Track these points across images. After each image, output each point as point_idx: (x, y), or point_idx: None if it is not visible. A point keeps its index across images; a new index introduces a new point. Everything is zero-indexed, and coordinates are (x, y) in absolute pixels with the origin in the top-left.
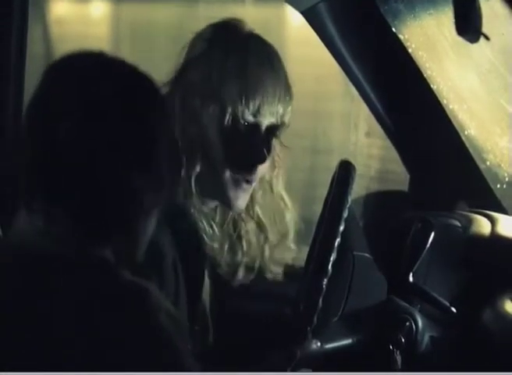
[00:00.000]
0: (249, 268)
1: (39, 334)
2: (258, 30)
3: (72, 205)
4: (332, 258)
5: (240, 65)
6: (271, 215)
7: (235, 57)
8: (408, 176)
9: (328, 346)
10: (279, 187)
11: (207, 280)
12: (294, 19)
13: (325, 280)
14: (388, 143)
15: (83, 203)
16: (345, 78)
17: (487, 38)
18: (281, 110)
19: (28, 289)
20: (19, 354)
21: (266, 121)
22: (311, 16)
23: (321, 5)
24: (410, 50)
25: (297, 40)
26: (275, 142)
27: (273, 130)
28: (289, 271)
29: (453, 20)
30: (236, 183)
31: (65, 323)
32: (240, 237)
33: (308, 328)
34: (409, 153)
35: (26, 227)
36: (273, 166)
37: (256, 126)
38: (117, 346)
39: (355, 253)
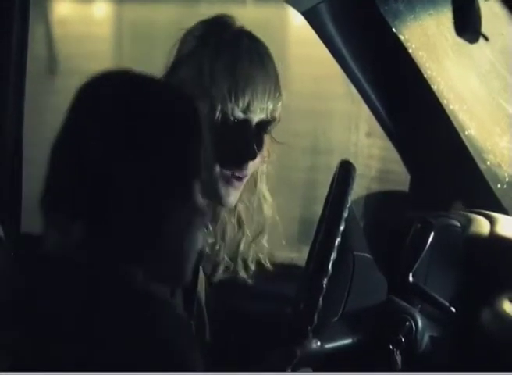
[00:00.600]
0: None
1: (58, 340)
2: (259, 30)
3: (102, 216)
4: (332, 258)
5: (230, 62)
6: (250, 211)
7: (224, 54)
8: (409, 176)
9: (329, 346)
10: (263, 183)
11: (202, 276)
12: (295, 20)
13: (326, 279)
14: (388, 143)
15: (113, 214)
16: (345, 78)
17: (486, 39)
18: (271, 106)
19: (48, 296)
20: (35, 357)
21: (256, 117)
22: (311, 16)
23: (321, 6)
24: (410, 50)
25: (298, 40)
26: (266, 138)
27: (264, 126)
28: (290, 271)
29: (452, 21)
30: (227, 180)
31: (82, 332)
32: (222, 233)
33: (308, 327)
34: (409, 153)
35: (54, 238)
36: (262, 162)
37: (246, 122)
38: (129, 359)
39: (355, 253)
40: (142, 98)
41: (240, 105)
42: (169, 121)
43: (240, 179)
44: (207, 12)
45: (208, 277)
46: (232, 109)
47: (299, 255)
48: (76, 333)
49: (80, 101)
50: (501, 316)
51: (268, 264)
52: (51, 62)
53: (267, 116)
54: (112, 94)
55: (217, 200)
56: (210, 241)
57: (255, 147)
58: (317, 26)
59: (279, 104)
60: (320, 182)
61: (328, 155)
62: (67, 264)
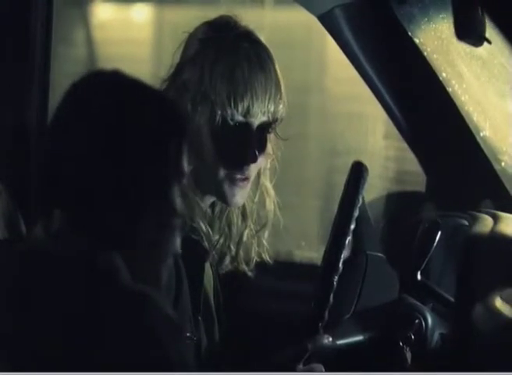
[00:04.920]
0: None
1: (39, 332)
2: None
3: (83, 211)
4: (342, 256)
5: (228, 68)
6: (253, 204)
7: (223, 60)
8: (425, 177)
9: (340, 342)
10: (266, 178)
11: (209, 273)
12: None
13: (336, 277)
14: (405, 145)
15: (93, 208)
16: (362, 81)
17: (489, 42)
18: (272, 108)
19: (32, 288)
20: (20, 351)
21: (257, 121)
22: (326, 20)
23: (336, 10)
24: (425, 53)
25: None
26: (269, 138)
27: (266, 127)
28: (309, 270)
29: (453, 25)
30: (232, 181)
31: (64, 322)
32: (228, 225)
33: (319, 324)
34: (425, 155)
35: (39, 230)
36: (267, 158)
37: (247, 126)
38: (111, 347)
39: (368, 252)
40: (124, 100)
41: (240, 109)
42: (150, 123)
43: (244, 179)
44: (251, 17)
45: (217, 270)
46: (233, 114)
47: (318, 255)
48: (59, 327)
49: (65, 100)
50: (492, 313)
51: (267, 258)
52: (92, 65)
53: (268, 118)
54: (94, 94)
55: (223, 200)
56: (216, 237)
57: (256, 150)
58: (332, 30)
59: (281, 105)
60: (339, 183)
61: (346, 156)
62: (46, 257)
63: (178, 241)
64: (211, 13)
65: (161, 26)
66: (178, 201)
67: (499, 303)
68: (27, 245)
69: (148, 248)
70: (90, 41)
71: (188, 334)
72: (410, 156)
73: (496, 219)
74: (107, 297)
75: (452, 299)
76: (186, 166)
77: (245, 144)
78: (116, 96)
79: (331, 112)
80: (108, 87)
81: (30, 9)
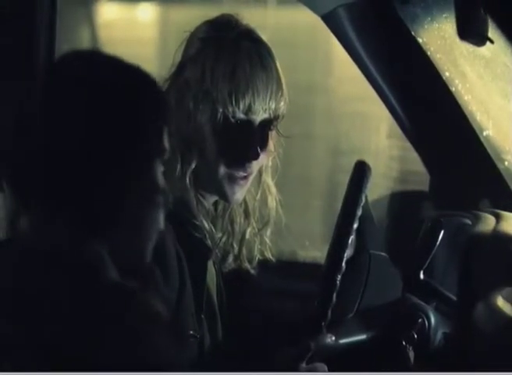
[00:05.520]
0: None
1: (25, 330)
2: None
3: (64, 201)
4: (345, 255)
5: (230, 66)
6: (256, 202)
7: (225, 58)
8: (429, 176)
9: (343, 341)
10: (268, 175)
11: (212, 271)
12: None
13: (339, 276)
14: (408, 144)
15: (76, 198)
16: (366, 81)
17: (492, 42)
18: (273, 105)
19: (19, 283)
20: (16, 350)
21: (259, 118)
22: (330, 20)
23: (339, 10)
24: (428, 53)
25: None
26: (270, 135)
27: (267, 124)
28: (313, 270)
29: (456, 25)
30: (232, 179)
31: (48, 319)
32: (231, 223)
33: (322, 323)
34: (428, 154)
35: (25, 224)
36: (268, 155)
37: (248, 123)
38: (99, 345)
39: (371, 252)
40: (104, 77)
41: (241, 107)
42: (130, 100)
43: (245, 177)
44: (257, 17)
45: (219, 269)
46: (234, 111)
47: (321, 255)
48: (46, 325)
49: (44, 81)
50: (494, 312)
51: (270, 256)
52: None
53: (270, 115)
54: (73, 73)
55: (224, 198)
56: (218, 235)
57: (258, 147)
58: (336, 30)
59: (282, 102)
60: (342, 182)
61: (350, 155)
62: (31, 253)
63: (162, 217)
64: (216, 13)
65: (166, 26)
66: (160, 178)
67: (500, 302)
68: (12, 242)
69: (132, 226)
70: (94, 41)
71: (191, 332)
72: (414, 156)
73: (498, 218)
74: (92, 293)
75: (455, 298)
76: (167, 142)
77: (247, 141)
78: (94, 74)
79: (335, 112)
80: (87, 66)
81: (35, 9)
